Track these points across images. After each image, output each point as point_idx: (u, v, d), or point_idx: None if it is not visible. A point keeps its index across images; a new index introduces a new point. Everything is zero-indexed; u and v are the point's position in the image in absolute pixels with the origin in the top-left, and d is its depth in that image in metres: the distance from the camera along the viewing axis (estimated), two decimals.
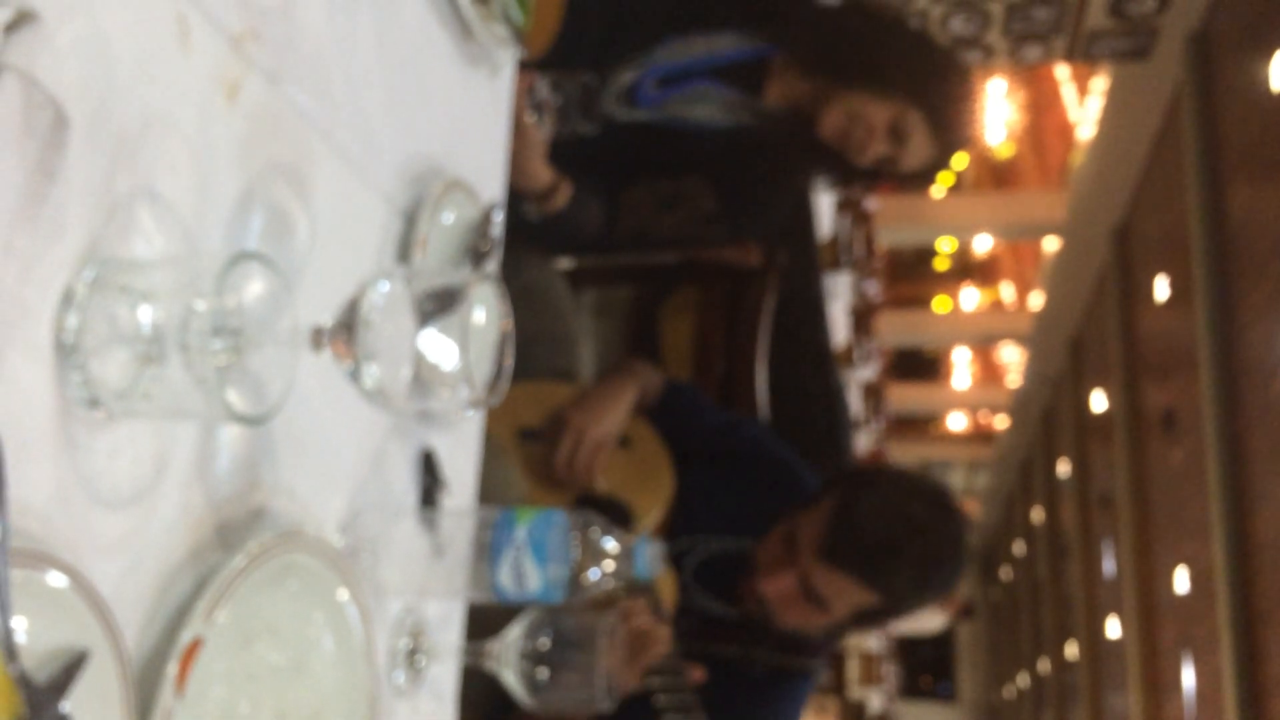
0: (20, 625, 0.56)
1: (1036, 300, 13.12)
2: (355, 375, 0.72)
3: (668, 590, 1.65)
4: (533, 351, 1.84)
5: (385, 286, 0.72)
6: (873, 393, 9.99)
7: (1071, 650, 12.83)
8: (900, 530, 1.60)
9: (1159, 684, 8.83)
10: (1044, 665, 15.30)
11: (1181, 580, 7.97)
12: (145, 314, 0.63)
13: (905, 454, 18.23)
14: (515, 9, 1.22)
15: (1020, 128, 14.14)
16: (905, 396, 17.59)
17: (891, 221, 12.10)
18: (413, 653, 1.03)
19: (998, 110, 13.55)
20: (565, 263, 2.21)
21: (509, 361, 0.80)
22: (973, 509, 19.82)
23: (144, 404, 0.64)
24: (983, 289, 17.74)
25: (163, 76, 0.70)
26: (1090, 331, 11.36)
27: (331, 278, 0.89)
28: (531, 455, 1.72)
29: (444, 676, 1.11)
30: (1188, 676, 7.92)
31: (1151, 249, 8.76)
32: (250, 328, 0.65)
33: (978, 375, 18.99)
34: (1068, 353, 12.34)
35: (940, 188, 14.79)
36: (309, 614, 0.84)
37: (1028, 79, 12.61)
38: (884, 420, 11.42)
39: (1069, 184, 10.67)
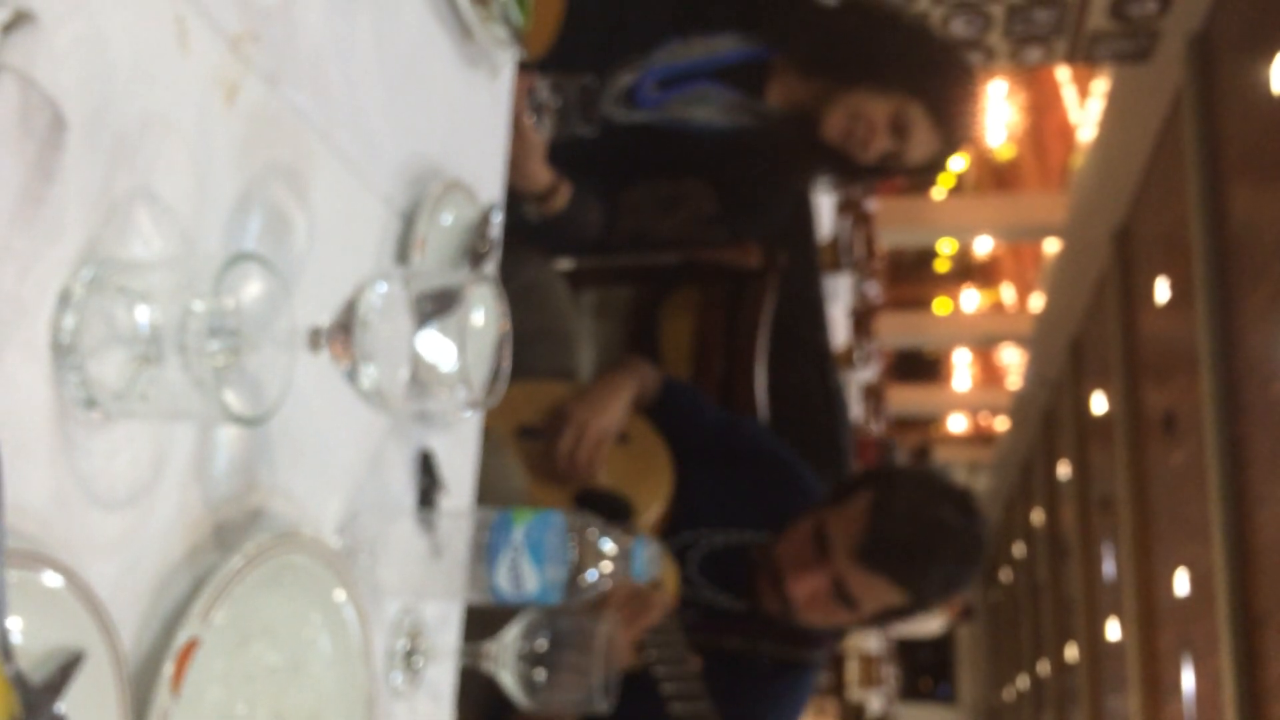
0: (16, 625, 0.56)
1: (1037, 302, 13.12)
2: (353, 376, 0.72)
3: (670, 584, 1.65)
4: (533, 350, 1.85)
5: (383, 287, 0.72)
6: (873, 394, 9.99)
7: (1071, 652, 12.82)
8: (935, 532, 1.62)
9: (1159, 686, 8.83)
10: (1044, 667, 15.29)
11: (1181, 583, 7.97)
12: (143, 315, 0.63)
13: (905, 456, 18.20)
14: (515, 10, 1.22)
15: (1021, 129, 14.13)
16: (905, 398, 17.58)
17: (892, 223, 12.10)
18: (410, 654, 1.03)
19: (998, 112, 13.55)
20: (565, 263, 2.21)
21: (507, 362, 0.80)
22: None
23: (141, 405, 0.64)
24: (983, 290, 17.73)
25: (161, 77, 0.70)
26: (1091, 333, 11.36)
27: (329, 279, 0.89)
28: (531, 453, 1.73)
29: (441, 678, 1.11)
30: (1187, 679, 7.92)
31: (1152, 251, 8.75)
32: (248, 328, 0.65)
33: (978, 377, 18.98)
34: (1068, 354, 12.33)
35: (941, 189, 14.80)
36: (306, 615, 0.84)
37: (1028, 81, 12.61)
38: (884, 422, 11.42)
39: (1070, 186, 10.67)
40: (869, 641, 10.15)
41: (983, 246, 16.39)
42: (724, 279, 2.25)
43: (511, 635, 1.06)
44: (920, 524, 1.62)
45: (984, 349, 17.72)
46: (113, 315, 0.63)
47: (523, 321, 0.84)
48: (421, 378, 0.74)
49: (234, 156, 0.78)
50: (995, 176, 15.61)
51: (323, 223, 0.90)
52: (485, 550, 0.95)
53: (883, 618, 1.68)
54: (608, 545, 0.96)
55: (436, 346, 0.74)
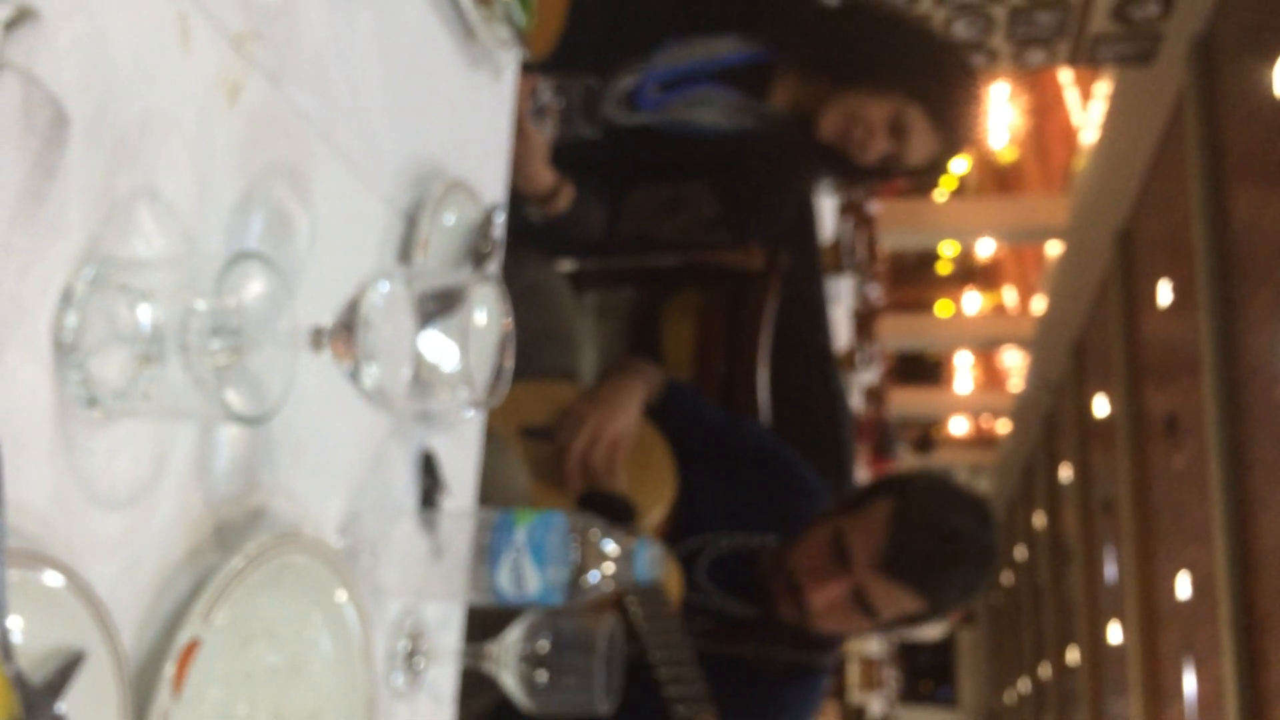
0: (16, 625, 0.56)
1: (1039, 304, 13.12)
2: (355, 376, 0.72)
3: (674, 588, 1.65)
4: (534, 351, 1.84)
5: (385, 287, 0.72)
6: (874, 396, 9.99)
7: (1073, 655, 12.81)
8: (955, 541, 1.63)
9: (1160, 690, 8.82)
10: (1045, 670, 15.28)
11: (1183, 586, 7.97)
12: (144, 313, 0.63)
13: (909, 460, 18.21)
14: (518, 11, 1.22)
15: (1023, 132, 14.14)
16: (907, 400, 17.58)
17: (894, 225, 12.10)
18: (411, 655, 1.03)
19: (1001, 114, 13.55)
20: (567, 265, 2.21)
21: (509, 363, 0.80)
22: None
23: (143, 404, 0.64)
24: (985, 293, 17.74)
25: (163, 76, 0.70)
26: (1093, 336, 11.36)
27: (331, 278, 0.89)
28: (534, 453, 1.72)
29: (443, 679, 1.11)
30: (1189, 683, 7.91)
31: (1154, 253, 8.75)
32: (250, 328, 0.65)
33: (980, 379, 18.98)
34: (1070, 357, 12.33)
35: (943, 191, 14.80)
36: (307, 615, 0.84)
37: (1031, 83, 12.61)
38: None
39: (1072, 188, 10.67)
40: (870, 645, 10.14)
41: (985, 249, 16.39)
42: (726, 281, 2.24)
43: (513, 636, 1.05)
44: (940, 533, 1.62)
45: (986, 351, 17.72)
46: (114, 314, 0.63)
47: (525, 322, 0.83)
48: (424, 378, 0.74)
49: (236, 155, 0.78)
50: (997, 179, 15.61)
51: (325, 222, 0.90)
52: (487, 551, 0.95)
53: (898, 624, 1.68)
54: (610, 546, 0.96)
55: (439, 346, 0.74)
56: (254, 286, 0.66)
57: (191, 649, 0.69)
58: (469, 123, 1.23)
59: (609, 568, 0.95)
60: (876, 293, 9.77)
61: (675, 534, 1.76)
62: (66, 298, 0.62)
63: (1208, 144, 7.08)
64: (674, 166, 1.92)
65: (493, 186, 1.28)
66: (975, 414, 19.62)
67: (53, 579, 0.59)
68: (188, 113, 0.73)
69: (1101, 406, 10.80)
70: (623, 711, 1.10)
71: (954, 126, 1.85)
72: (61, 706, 0.57)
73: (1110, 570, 10.72)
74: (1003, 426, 17.86)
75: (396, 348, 0.72)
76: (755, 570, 1.74)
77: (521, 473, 1.65)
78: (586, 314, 2.26)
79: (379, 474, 1.00)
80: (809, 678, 1.77)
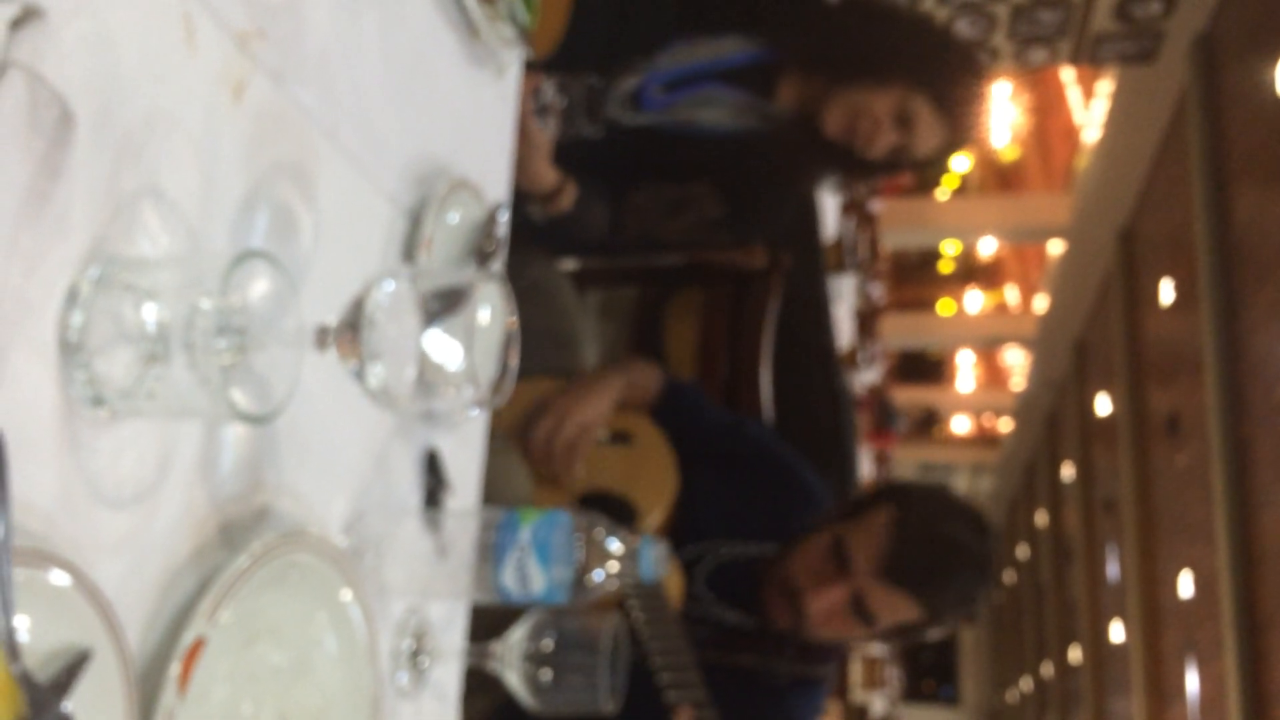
0: (23, 624, 0.56)
1: (1041, 303, 13.11)
2: (360, 375, 0.72)
3: (674, 590, 1.64)
4: (537, 350, 1.84)
5: (390, 286, 0.72)
6: (876, 395, 9.98)
7: (1075, 654, 12.80)
8: (954, 551, 1.63)
9: (1163, 689, 8.81)
10: (1047, 669, 15.28)
11: (1186, 585, 7.96)
12: (150, 313, 0.63)
13: (909, 457, 18.22)
14: (521, 10, 1.22)
15: (1025, 130, 14.12)
16: (909, 399, 17.56)
17: (896, 224, 12.09)
18: (416, 654, 1.03)
19: (1003, 113, 13.54)
20: (570, 264, 2.21)
21: (514, 362, 0.80)
22: None
23: (148, 403, 0.64)
24: (987, 292, 17.72)
25: (168, 75, 0.70)
26: (1095, 335, 11.35)
27: (336, 277, 0.89)
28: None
29: (447, 678, 1.11)
30: (1191, 682, 7.90)
31: (1156, 252, 8.74)
32: (255, 327, 0.65)
33: (982, 378, 18.96)
34: (1072, 356, 12.32)
35: (945, 190, 14.79)
36: (312, 614, 0.84)
37: (1033, 82, 12.60)
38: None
39: (1074, 187, 10.66)
40: (872, 644, 10.12)
41: (987, 248, 16.37)
42: (728, 280, 2.24)
43: (517, 635, 1.05)
44: (940, 541, 1.63)
45: (988, 350, 17.71)
46: (120, 313, 0.63)
47: (527, 321, 0.83)
48: (428, 377, 0.74)
49: (241, 154, 0.78)
50: (999, 177, 15.60)
51: (329, 221, 0.90)
52: (491, 550, 0.95)
53: (895, 634, 1.67)
54: (614, 545, 0.96)
55: (443, 345, 0.74)
56: (259, 285, 0.66)
57: (197, 648, 0.69)
58: (472, 121, 1.23)
59: (613, 566, 0.95)
60: (879, 291, 9.76)
61: (676, 537, 1.75)
62: (72, 297, 0.62)
63: (1210, 143, 7.07)
64: (678, 167, 1.92)
65: (496, 185, 1.28)
66: (977, 413, 19.61)
67: (59, 578, 0.59)
68: (192, 111, 0.73)
69: (1104, 405, 10.79)
70: (624, 714, 1.10)
71: (959, 113, 1.84)
72: (67, 705, 0.57)
73: (1112, 569, 10.71)
74: (1005, 425, 17.85)
75: (401, 347, 0.72)
76: (754, 581, 1.73)
77: (521, 474, 1.65)
78: (589, 313, 2.26)
79: (383, 473, 1.00)
80: (810, 688, 1.76)
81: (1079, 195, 10.37)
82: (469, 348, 0.75)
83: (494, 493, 1.27)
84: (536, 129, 1.55)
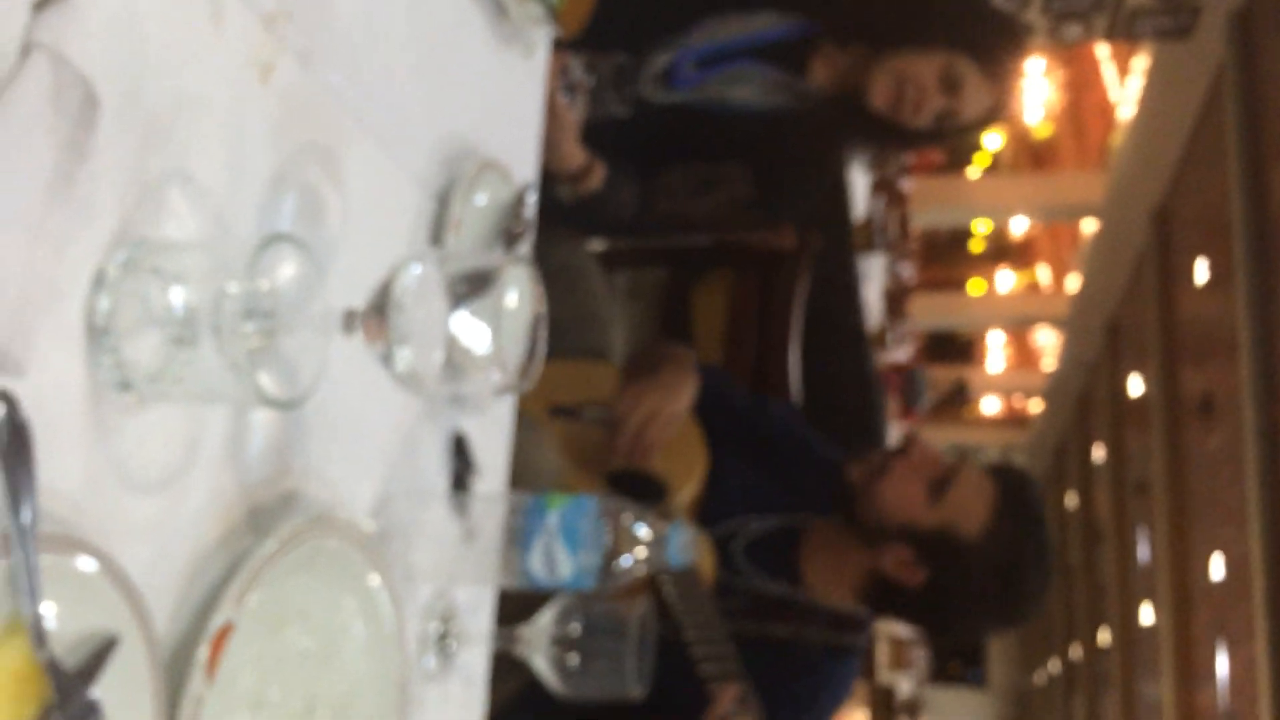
0: (50, 610, 0.56)
1: (1073, 283, 12.99)
2: (387, 358, 0.71)
3: (706, 567, 1.64)
4: (565, 330, 1.83)
5: (418, 269, 0.71)
6: None
7: (1104, 636, 12.75)
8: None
9: (1192, 671, 8.76)
10: (1076, 651, 15.22)
11: (1217, 567, 7.90)
12: (177, 296, 0.62)
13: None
14: None
15: (1059, 107, 13.96)
16: (938, 379, 17.47)
17: (926, 203, 11.99)
18: (443, 638, 1.03)
19: (1037, 89, 13.39)
20: (597, 244, 2.20)
21: (542, 344, 0.79)
22: None
23: (175, 387, 0.64)
24: (1018, 271, 17.57)
25: (195, 56, 0.70)
26: (1128, 315, 11.24)
27: (364, 260, 0.89)
28: (563, 432, 1.72)
29: (474, 662, 1.10)
30: (1222, 664, 7.85)
31: (1191, 231, 8.64)
32: (282, 310, 0.64)
33: (1012, 359, 18.83)
34: (1104, 336, 12.21)
35: (976, 168, 14.66)
36: (339, 599, 0.84)
37: (1067, 58, 12.45)
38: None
39: (1108, 165, 10.53)
40: (899, 625, 10.13)
41: (1018, 226, 16.22)
42: (757, 261, 2.23)
43: (545, 620, 1.05)
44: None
45: (1019, 330, 17.58)
46: (147, 297, 0.62)
47: (555, 303, 0.83)
48: (456, 360, 0.74)
49: (268, 136, 0.78)
50: (1032, 155, 15.43)
51: (357, 204, 0.89)
52: (519, 534, 0.95)
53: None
54: (642, 530, 0.95)
55: (471, 328, 0.73)
56: (286, 269, 0.65)
57: (224, 633, 0.69)
58: (500, 102, 1.22)
59: (641, 552, 0.94)
60: (908, 271, 9.70)
61: (706, 516, 1.76)
62: (99, 281, 0.62)
63: (1247, 119, 6.96)
64: (707, 146, 1.90)
65: (524, 166, 1.27)
66: (1007, 393, 19.48)
67: (86, 564, 0.58)
68: (219, 93, 0.72)
69: (1136, 386, 10.70)
70: (657, 692, 1.09)
71: (1003, 74, 1.82)
72: (95, 692, 0.57)
73: (1143, 551, 10.64)
74: (1035, 406, 17.73)
75: (428, 330, 0.72)
76: (791, 547, 1.73)
77: (552, 452, 1.65)
78: (617, 294, 2.25)
79: (411, 457, 1.00)
80: (843, 657, 1.76)
81: (1113, 173, 10.25)
82: (497, 331, 0.75)
83: (523, 471, 1.27)
84: (564, 108, 1.53)
